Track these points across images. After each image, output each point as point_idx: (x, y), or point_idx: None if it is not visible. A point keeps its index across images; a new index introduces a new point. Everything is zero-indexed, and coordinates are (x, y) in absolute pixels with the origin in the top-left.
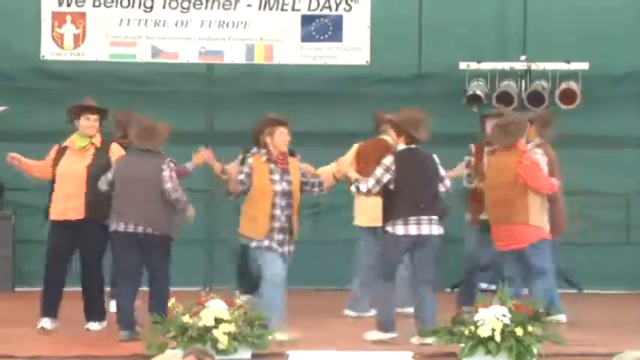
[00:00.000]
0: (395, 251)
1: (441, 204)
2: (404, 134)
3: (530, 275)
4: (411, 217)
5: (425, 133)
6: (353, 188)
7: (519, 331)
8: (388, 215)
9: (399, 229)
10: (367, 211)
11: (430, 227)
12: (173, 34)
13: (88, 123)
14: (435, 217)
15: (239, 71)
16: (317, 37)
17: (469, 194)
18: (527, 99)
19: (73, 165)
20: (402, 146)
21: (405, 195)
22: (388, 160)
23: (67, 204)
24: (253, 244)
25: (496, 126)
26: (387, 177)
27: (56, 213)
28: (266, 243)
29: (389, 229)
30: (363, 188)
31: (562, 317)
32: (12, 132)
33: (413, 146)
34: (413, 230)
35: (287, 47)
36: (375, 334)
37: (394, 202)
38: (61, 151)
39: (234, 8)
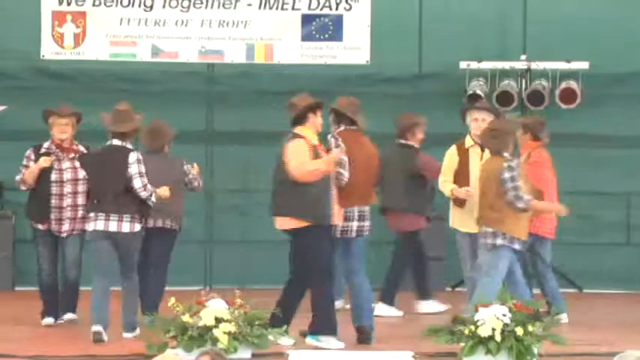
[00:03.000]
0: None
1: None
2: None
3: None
4: None
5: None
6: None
7: (519, 331)
8: None
9: None
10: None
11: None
12: (173, 33)
13: (320, 120)
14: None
15: (239, 71)
16: (317, 36)
17: None
18: (528, 98)
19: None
20: None
21: None
22: None
23: None
24: None
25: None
26: None
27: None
28: None
29: None
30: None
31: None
32: (12, 131)
33: None
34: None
35: (287, 47)
36: None
37: None
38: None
39: (235, 8)
